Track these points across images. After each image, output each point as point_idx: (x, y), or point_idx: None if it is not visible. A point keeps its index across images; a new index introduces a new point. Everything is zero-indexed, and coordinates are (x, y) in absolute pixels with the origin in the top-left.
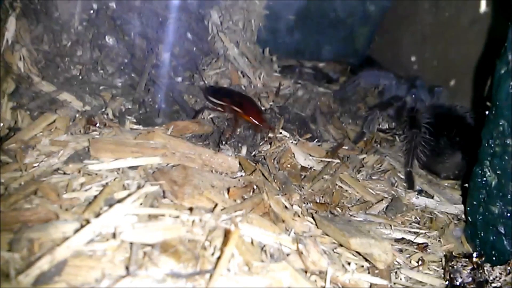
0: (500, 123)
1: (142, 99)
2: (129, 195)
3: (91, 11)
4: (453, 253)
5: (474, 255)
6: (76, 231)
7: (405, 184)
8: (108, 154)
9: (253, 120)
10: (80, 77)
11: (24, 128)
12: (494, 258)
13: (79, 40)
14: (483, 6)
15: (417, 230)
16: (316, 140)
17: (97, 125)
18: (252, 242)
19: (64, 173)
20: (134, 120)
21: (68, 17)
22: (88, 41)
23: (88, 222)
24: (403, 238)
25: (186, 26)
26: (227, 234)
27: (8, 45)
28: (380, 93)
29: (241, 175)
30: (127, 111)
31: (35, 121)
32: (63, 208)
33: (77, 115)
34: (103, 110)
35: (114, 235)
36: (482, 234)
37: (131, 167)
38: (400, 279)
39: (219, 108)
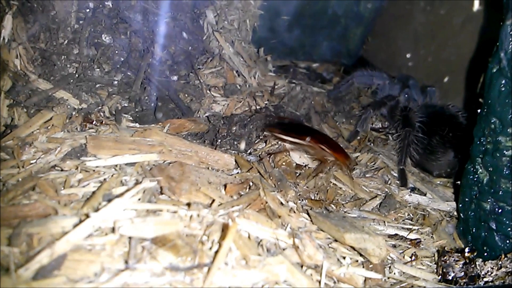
0: (492, 121)
1: (138, 97)
2: (127, 190)
3: (88, 10)
4: (446, 249)
5: (466, 250)
6: (75, 225)
7: (398, 182)
8: (106, 151)
9: (342, 158)
10: (77, 75)
11: (21, 125)
12: (485, 254)
13: (76, 38)
14: (475, 6)
15: (410, 227)
16: None
17: (94, 122)
18: (249, 237)
19: (62, 170)
20: (130, 118)
21: (64, 15)
22: (84, 40)
23: (87, 217)
24: (396, 234)
25: (182, 25)
26: (224, 228)
27: (4, 42)
28: (374, 93)
29: (237, 172)
30: (123, 109)
31: (32, 119)
32: (61, 204)
33: (74, 113)
34: (100, 108)
35: (113, 230)
36: (474, 230)
37: (128, 164)
38: (394, 273)
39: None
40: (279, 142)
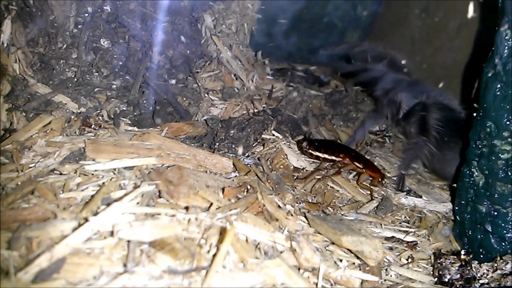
0: (487, 125)
1: (136, 101)
2: (125, 194)
3: (86, 14)
4: (442, 251)
5: (462, 252)
6: (74, 229)
7: (394, 185)
8: (104, 154)
9: (376, 174)
10: (75, 79)
11: (20, 129)
12: (481, 256)
13: (74, 42)
14: (470, 12)
15: (407, 229)
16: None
17: (92, 126)
18: (246, 240)
19: (61, 174)
20: (129, 122)
21: (63, 20)
22: (83, 44)
23: (86, 220)
24: (393, 237)
25: (180, 29)
26: (222, 232)
27: (3, 47)
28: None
29: (235, 176)
30: (121, 112)
31: (30, 123)
32: (60, 207)
33: (73, 117)
34: (98, 111)
35: (111, 233)
36: (470, 233)
37: (127, 168)
38: (390, 275)
39: (326, 163)
40: (277, 146)
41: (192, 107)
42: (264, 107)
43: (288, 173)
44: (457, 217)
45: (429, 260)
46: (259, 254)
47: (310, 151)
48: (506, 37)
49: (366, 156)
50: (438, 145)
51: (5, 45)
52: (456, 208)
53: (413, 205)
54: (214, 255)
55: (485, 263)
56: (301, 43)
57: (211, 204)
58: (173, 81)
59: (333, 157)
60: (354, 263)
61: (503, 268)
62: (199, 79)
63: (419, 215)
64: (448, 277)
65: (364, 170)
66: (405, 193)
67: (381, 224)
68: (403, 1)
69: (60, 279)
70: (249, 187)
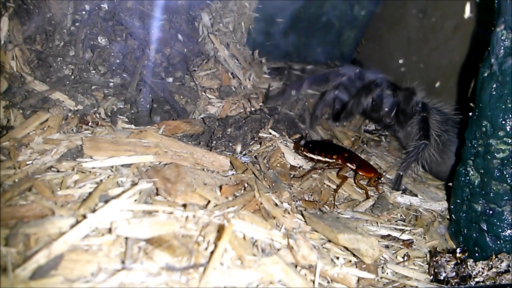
0: (483, 124)
1: (133, 99)
2: (123, 192)
3: (84, 12)
4: (438, 249)
5: (458, 251)
6: (72, 226)
7: (390, 184)
8: (102, 152)
9: (369, 174)
10: (73, 77)
11: (17, 126)
12: (477, 254)
13: (72, 40)
14: (467, 12)
15: (403, 227)
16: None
17: (90, 124)
18: (244, 237)
19: (58, 171)
20: (126, 120)
21: (60, 17)
22: (80, 41)
23: (84, 217)
24: (389, 235)
25: (177, 27)
26: (220, 229)
27: (0, 44)
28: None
29: (232, 174)
30: (119, 110)
31: (28, 120)
32: (58, 205)
33: (70, 114)
34: (95, 109)
35: (109, 230)
36: (465, 231)
37: (124, 165)
38: (387, 273)
39: (320, 164)
40: (273, 144)
41: (189, 105)
42: (261, 105)
43: (285, 172)
44: (453, 215)
45: (425, 258)
46: (257, 251)
47: (304, 153)
48: (502, 37)
49: (361, 156)
50: (438, 148)
51: (2, 42)
52: (452, 206)
53: (409, 203)
54: (212, 252)
55: (481, 261)
56: (298, 42)
57: (209, 201)
58: (170, 79)
59: (327, 159)
60: (350, 261)
61: (498, 266)
62: (196, 78)
63: (415, 214)
64: (444, 275)
65: (357, 172)
66: (400, 191)
67: (377, 223)
68: (400, 1)
69: (58, 276)
70: (246, 185)
